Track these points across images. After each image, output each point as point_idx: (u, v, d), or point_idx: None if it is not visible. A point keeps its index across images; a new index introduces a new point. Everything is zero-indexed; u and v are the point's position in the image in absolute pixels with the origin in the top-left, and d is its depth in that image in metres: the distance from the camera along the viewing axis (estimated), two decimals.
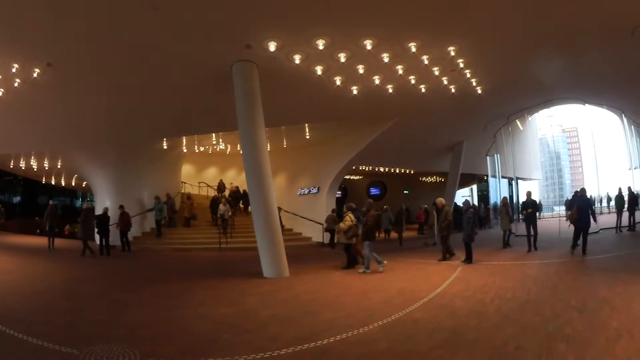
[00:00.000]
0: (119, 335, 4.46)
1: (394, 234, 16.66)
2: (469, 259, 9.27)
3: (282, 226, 10.14)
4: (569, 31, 8.01)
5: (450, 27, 7.48)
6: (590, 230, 11.79)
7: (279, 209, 10.03)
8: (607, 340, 4.07)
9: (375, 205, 9.63)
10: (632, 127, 17.68)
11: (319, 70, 8.38)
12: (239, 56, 8.01)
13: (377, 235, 18.25)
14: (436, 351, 3.96)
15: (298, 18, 6.83)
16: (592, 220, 9.71)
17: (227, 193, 17.79)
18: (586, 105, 15.56)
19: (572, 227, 9.84)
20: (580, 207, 9.76)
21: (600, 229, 14.19)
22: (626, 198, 14.07)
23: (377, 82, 9.15)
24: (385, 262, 8.78)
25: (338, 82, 8.98)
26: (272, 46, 7.44)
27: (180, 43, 7.37)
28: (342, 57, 7.97)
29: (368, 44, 7.58)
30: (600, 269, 8.23)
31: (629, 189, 13.73)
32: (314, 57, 7.93)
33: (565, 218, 12.52)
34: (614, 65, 9.98)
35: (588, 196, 10.27)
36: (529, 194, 11.65)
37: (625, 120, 17.38)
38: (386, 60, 8.19)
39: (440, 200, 10.84)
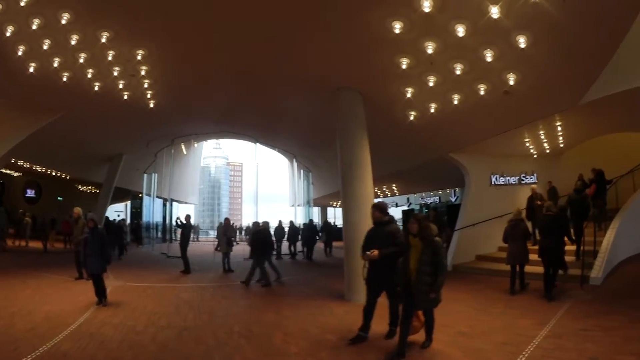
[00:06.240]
0: None
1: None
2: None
3: None
4: (248, 77, 8.77)
5: (147, 28, 7.07)
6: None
7: None
8: None
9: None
10: (302, 170, 19.83)
11: (8, 31, 7.11)
12: None
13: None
14: None
15: None
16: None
17: None
18: (257, 144, 17.01)
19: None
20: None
21: None
22: (286, 229, 15.57)
23: (55, 64, 8.13)
24: None
25: (20, 53, 7.82)
26: None
27: None
28: (35, 25, 7.03)
29: (64, 18, 6.72)
30: (261, 293, 8.24)
31: (291, 222, 14.94)
32: (11, 13, 6.76)
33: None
34: (287, 116, 10.78)
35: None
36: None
37: (295, 163, 19.59)
38: (73, 42, 7.33)
39: (78, 210, 9.51)
